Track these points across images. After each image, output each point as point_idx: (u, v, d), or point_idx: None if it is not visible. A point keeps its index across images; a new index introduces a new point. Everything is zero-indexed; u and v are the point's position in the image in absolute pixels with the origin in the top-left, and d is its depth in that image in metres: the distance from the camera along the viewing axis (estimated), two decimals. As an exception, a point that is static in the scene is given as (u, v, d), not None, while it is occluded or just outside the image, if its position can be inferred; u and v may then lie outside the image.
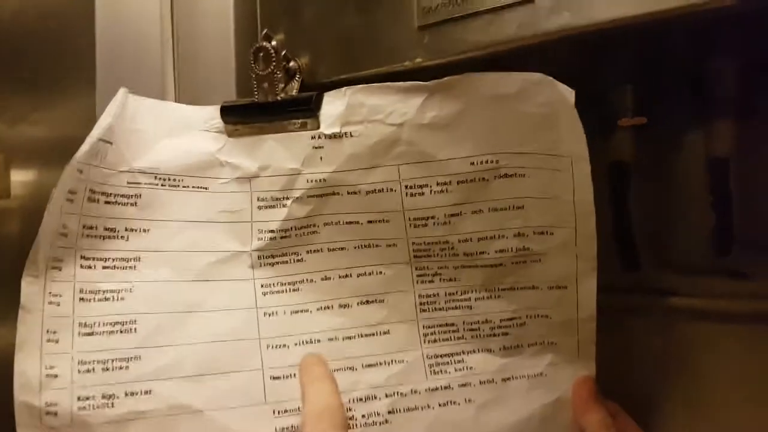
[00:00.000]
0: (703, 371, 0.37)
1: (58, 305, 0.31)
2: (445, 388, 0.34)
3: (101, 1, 0.42)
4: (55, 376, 0.31)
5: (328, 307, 0.34)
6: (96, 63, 0.41)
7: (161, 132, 0.34)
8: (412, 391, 0.33)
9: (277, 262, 0.35)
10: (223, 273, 0.34)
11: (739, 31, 0.32)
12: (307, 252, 0.35)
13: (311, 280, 0.34)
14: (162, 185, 0.34)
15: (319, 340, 0.34)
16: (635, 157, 0.36)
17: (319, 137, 0.34)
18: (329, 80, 0.35)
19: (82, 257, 0.32)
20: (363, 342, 0.34)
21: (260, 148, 0.35)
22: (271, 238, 0.34)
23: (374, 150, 0.33)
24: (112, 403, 0.31)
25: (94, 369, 0.31)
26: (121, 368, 0.31)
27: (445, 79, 0.32)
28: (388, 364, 0.34)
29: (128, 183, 0.33)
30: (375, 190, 0.34)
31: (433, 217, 0.33)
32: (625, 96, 0.34)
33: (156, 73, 0.41)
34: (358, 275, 0.34)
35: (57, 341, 0.31)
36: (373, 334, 0.34)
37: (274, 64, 0.34)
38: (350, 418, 0.32)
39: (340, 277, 0.34)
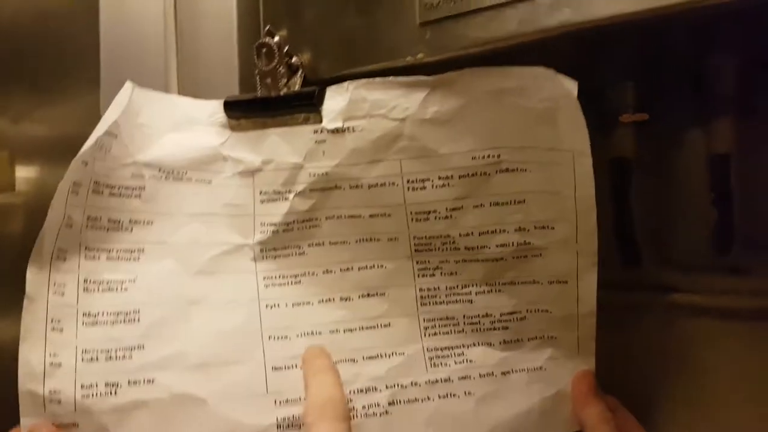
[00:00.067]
0: (703, 368, 0.37)
1: (63, 295, 0.31)
2: (445, 380, 0.34)
3: (105, -1, 0.42)
4: (59, 364, 0.31)
5: (330, 300, 0.34)
6: (100, 60, 0.42)
7: (165, 126, 0.35)
8: (412, 383, 0.34)
9: (279, 255, 0.35)
10: (225, 265, 0.34)
11: (739, 27, 0.33)
12: (309, 245, 0.35)
13: (313, 274, 0.35)
14: (166, 178, 0.34)
15: (320, 333, 0.34)
16: (636, 154, 0.36)
17: (322, 132, 0.34)
18: (331, 76, 0.35)
19: (87, 248, 0.32)
20: (364, 335, 0.34)
21: (263, 143, 0.35)
22: (273, 232, 0.35)
23: (376, 144, 0.33)
24: (115, 392, 0.31)
25: (97, 358, 0.31)
26: (124, 357, 0.32)
27: (447, 74, 0.32)
28: (389, 356, 0.34)
29: (132, 175, 0.33)
30: (377, 184, 0.34)
31: (434, 212, 0.34)
32: (626, 92, 0.35)
33: (159, 71, 0.41)
34: (360, 269, 0.35)
35: (61, 330, 0.31)
36: (374, 327, 0.34)
37: (276, 59, 0.35)
38: (351, 410, 0.32)
39: (341, 270, 0.35)
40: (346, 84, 0.33)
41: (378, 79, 0.33)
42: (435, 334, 0.35)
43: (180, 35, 0.41)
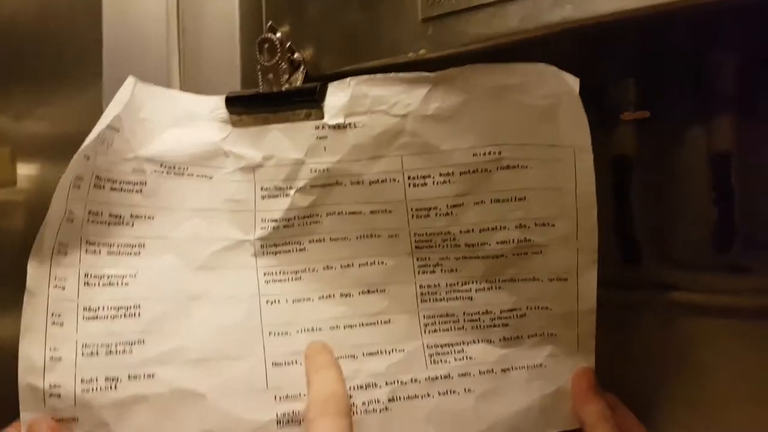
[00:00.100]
0: (703, 367, 0.37)
1: (63, 289, 0.31)
2: (445, 377, 0.34)
3: (108, -4, 0.42)
4: (59, 359, 0.31)
5: (330, 296, 0.34)
6: (102, 57, 0.42)
7: (167, 121, 0.35)
8: (412, 379, 0.34)
9: (280, 251, 0.35)
10: (226, 261, 0.34)
11: (740, 24, 0.33)
12: (310, 241, 0.35)
13: (313, 270, 0.35)
14: (167, 173, 0.34)
15: (320, 329, 0.34)
16: (637, 151, 0.36)
17: (323, 127, 0.34)
18: (333, 72, 0.35)
19: (88, 242, 0.32)
20: (364, 331, 0.34)
21: (264, 138, 0.35)
22: (274, 228, 0.35)
23: (378, 140, 0.33)
24: (115, 386, 0.31)
25: (97, 352, 0.31)
26: (124, 352, 0.32)
27: (449, 70, 0.32)
28: (389, 353, 0.34)
29: (134, 170, 0.33)
30: (378, 180, 0.34)
31: (435, 208, 0.34)
32: (628, 90, 0.35)
33: (162, 67, 0.41)
34: (360, 265, 0.35)
35: (62, 324, 0.31)
36: (374, 324, 0.34)
37: (278, 55, 0.35)
38: (351, 406, 0.32)
39: (342, 266, 0.35)
40: (347, 80, 0.33)
41: (380, 75, 0.33)
42: (435, 330, 0.35)
43: (182, 31, 0.41)
